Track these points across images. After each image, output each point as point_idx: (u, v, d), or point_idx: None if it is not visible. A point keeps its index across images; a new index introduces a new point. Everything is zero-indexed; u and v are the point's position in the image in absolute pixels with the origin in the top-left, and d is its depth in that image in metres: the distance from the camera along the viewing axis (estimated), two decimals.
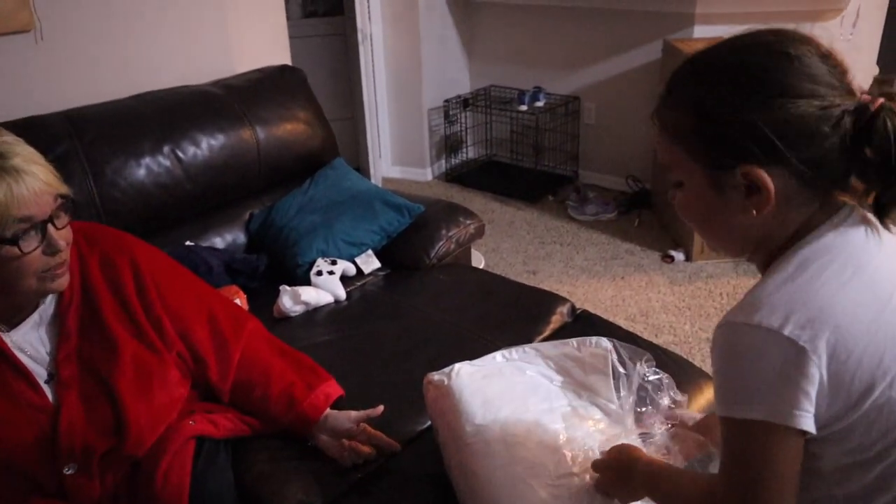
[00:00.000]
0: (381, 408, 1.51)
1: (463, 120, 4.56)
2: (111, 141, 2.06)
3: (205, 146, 2.24)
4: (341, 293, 2.08)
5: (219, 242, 2.31)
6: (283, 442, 1.53)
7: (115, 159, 2.05)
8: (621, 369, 1.36)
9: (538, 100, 4.24)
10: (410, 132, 4.59)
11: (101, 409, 1.34)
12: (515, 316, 1.94)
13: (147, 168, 2.10)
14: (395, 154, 4.72)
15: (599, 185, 4.32)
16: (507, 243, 3.65)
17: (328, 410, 1.52)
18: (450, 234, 2.30)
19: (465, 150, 4.67)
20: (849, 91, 0.80)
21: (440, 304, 2.01)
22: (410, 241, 2.29)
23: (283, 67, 2.64)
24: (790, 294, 0.80)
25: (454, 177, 4.60)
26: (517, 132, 4.45)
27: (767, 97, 0.78)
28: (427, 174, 4.65)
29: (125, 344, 1.38)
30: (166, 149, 2.15)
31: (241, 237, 2.37)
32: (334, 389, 1.56)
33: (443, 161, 4.70)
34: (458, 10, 4.50)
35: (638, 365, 1.34)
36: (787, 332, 0.77)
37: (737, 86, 0.80)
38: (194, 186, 2.21)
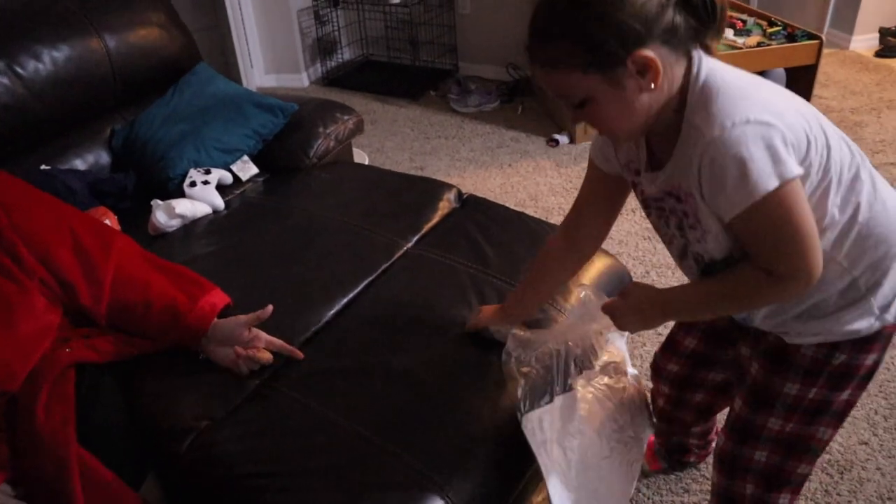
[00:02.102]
0: (270, 308, 1.45)
1: (335, 19, 4.36)
2: None
3: (47, 60, 2.03)
4: (219, 202, 1.98)
5: (80, 164, 2.14)
6: (173, 359, 1.46)
7: None
8: None
9: None
10: (281, 37, 4.36)
11: None
12: (402, 205, 1.91)
13: None
14: (267, 62, 4.48)
15: (480, 75, 4.26)
16: (392, 142, 3.57)
17: (216, 320, 1.45)
18: (327, 131, 2.21)
19: (340, 51, 4.49)
20: None
21: (324, 203, 1.95)
22: (287, 142, 2.19)
23: None
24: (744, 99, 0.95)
25: (332, 80, 4.43)
26: (392, 28, 4.30)
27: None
28: (303, 80, 4.46)
29: None
30: (1, 65, 1.94)
31: (104, 156, 2.20)
32: (220, 298, 1.49)
33: (318, 65, 4.51)
34: None
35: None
36: (769, 119, 0.93)
37: (592, 5, 0.93)
38: (42, 105, 2.02)
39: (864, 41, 4.33)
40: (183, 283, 1.49)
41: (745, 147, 0.91)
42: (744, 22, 3.56)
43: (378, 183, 2.06)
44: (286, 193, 2.04)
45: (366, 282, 1.65)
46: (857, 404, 1.77)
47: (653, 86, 0.96)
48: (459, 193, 1.99)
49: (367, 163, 3.25)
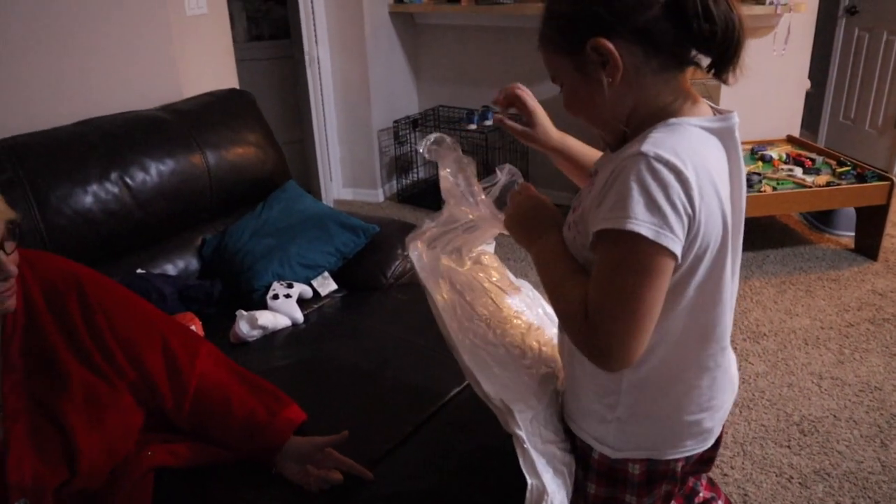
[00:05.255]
0: (346, 433, 1.48)
1: (413, 140, 4.57)
2: (55, 168, 2.01)
3: (154, 172, 2.20)
4: (298, 316, 2.06)
5: (171, 269, 2.27)
6: (246, 469, 1.49)
7: (60, 187, 2.00)
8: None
9: (487, 118, 4.28)
10: (361, 154, 4.59)
11: (52, 440, 1.29)
12: None
13: (94, 195, 2.06)
14: (346, 176, 4.70)
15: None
16: None
17: (292, 437, 1.49)
18: (405, 253, 2.30)
19: (415, 170, 4.68)
20: None
21: (399, 324, 2.01)
22: (367, 261, 2.28)
23: (232, 91, 2.62)
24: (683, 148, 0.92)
25: (406, 197, 4.60)
26: (467, 151, 4.43)
27: None
28: (379, 195, 4.64)
29: (74, 372, 1.34)
30: (114, 175, 2.10)
31: (193, 263, 2.33)
32: (297, 414, 1.53)
33: (394, 182, 4.70)
34: (404, 32, 4.53)
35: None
36: (686, 170, 0.89)
37: None
38: (145, 213, 2.17)
39: None
40: (263, 396, 1.53)
41: (646, 182, 0.88)
42: (813, 161, 3.59)
43: None
44: (363, 311, 2.11)
45: (438, 405, 1.67)
46: None
47: (610, 80, 0.94)
48: None
49: None
